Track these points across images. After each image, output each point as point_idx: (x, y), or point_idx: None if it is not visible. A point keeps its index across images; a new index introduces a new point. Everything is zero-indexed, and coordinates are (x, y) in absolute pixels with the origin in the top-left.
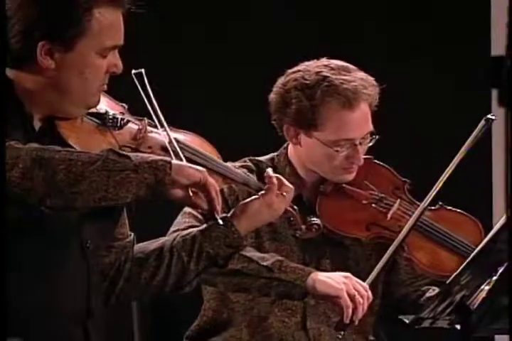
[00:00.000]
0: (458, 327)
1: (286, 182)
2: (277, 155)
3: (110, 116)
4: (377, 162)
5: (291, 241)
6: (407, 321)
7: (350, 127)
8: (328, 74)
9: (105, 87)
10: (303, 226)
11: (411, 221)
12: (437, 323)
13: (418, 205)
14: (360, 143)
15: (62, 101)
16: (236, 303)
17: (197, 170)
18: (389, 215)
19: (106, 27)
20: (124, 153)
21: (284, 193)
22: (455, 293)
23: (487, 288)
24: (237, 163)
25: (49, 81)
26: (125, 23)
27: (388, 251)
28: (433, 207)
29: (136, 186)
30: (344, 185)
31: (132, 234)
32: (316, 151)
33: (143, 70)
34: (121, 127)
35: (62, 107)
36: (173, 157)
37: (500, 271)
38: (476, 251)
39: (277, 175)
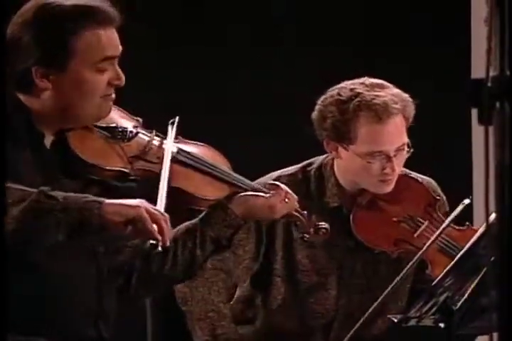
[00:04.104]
0: (442, 325)
1: (291, 192)
2: (325, 164)
3: (119, 129)
4: (413, 176)
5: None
6: (395, 320)
7: (381, 140)
8: (361, 91)
9: (113, 96)
10: (311, 230)
11: (431, 240)
12: (423, 322)
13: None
14: (395, 155)
15: (67, 117)
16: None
17: (130, 206)
18: (416, 234)
19: (94, 45)
20: (53, 194)
21: (287, 200)
22: (439, 294)
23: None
24: (290, 171)
25: (50, 101)
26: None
27: (408, 266)
28: (461, 227)
29: (63, 226)
30: (378, 200)
31: None
32: (353, 163)
33: (177, 118)
34: (129, 139)
35: (68, 122)
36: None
37: (480, 274)
38: (458, 256)
39: (284, 186)
